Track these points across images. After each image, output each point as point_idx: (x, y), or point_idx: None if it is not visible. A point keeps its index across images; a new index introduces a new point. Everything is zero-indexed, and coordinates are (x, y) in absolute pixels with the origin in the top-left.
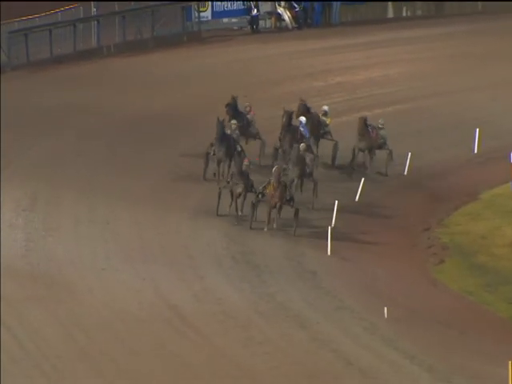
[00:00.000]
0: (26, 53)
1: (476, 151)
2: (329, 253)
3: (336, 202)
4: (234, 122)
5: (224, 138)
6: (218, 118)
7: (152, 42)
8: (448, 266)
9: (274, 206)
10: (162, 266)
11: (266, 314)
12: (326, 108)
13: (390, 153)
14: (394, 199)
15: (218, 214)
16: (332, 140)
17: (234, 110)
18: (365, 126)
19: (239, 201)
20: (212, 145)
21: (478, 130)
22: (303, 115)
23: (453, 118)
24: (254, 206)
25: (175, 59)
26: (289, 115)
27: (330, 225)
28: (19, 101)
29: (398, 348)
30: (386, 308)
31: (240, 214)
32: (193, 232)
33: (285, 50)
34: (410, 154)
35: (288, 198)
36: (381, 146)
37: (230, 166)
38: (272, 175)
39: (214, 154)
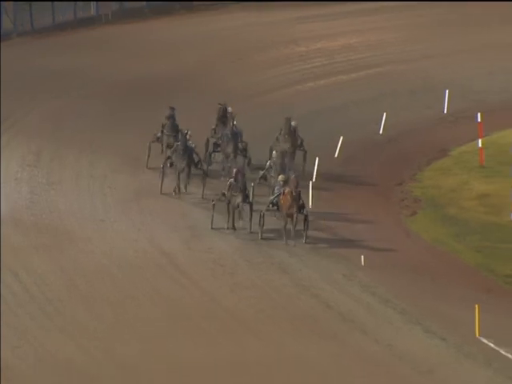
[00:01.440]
0: (30, 20)
1: (446, 111)
2: (310, 206)
3: (317, 158)
4: (186, 131)
5: (187, 150)
6: (182, 130)
7: (147, 10)
8: (420, 217)
9: (291, 217)
10: (157, 217)
11: (253, 262)
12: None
13: (305, 154)
14: (370, 156)
15: (212, 228)
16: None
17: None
18: (290, 126)
19: (237, 211)
20: (169, 157)
21: (447, 91)
22: (222, 118)
23: (425, 81)
24: (263, 217)
25: (169, 27)
26: (223, 110)
27: (311, 179)
28: (24, 65)
29: (374, 293)
30: (362, 256)
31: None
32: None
33: (270, 19)
34: (385, 114)
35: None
36: (299, 147)
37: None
38: (277, 184)
39: (170, 166)
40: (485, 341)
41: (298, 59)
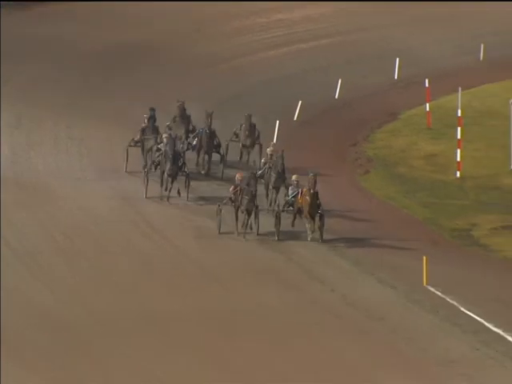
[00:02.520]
0: None
1: (396, 77)
2: None
3: (277, 121)
4: (165, 135)
5: (176, 155)
6: (171, 135)
7: None
8: (372, 175)
9: (313, 216)
10: (130, 177)
11: (221, 218)
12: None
13: (261, 147)
14: (327, 119)
15: (219, 233)
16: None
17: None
18: (251, 122)
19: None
20: (153, 162)
21: (398, 59)
22: (182, 115)
23: (377, 50)
24: (278, 217)
25: None
26: (182, 106)
27: (272, 140)
28: (4, 35)
29: (329, 245)
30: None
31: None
32: None
33: None
34: (340, 80)
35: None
36: (256, 140)
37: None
38: (291, 183)
39: (155, 170)
40: (432, 289)
41: (260, 29)
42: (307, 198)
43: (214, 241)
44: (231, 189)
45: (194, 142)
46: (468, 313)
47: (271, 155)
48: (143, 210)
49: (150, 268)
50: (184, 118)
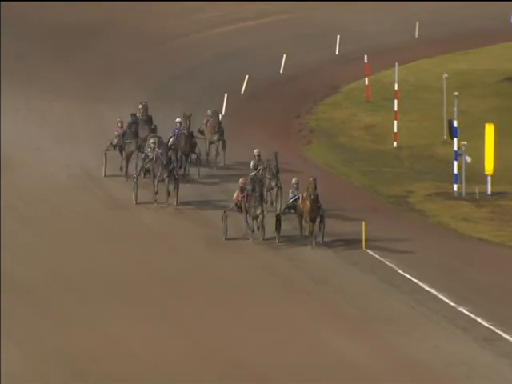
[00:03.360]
0: None
1: (337, 53)
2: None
3: (225, 94)
4: (152, 140)
5: (169, 160)
6: (162, 140)
7: None
8: (315, 145)
9: (313, 221)
10: (87, 147)
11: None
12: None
13: (224, 143)
14: (272, 92)
15: (226, 238)
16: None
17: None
18: (219, 119)
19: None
20: (142, 168)
21: (339, 36)
22: (143, 116)
23: (319, 27)
24: (279, 220)
25: None
26: (145, 107)
27: (221, 112)
28: None
29: (274, 212)
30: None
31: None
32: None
33: None
34: (284, 55)
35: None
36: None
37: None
38: (292, 188)
39: (144, 176)
40: (371, 253)
41: (209, 8)
42: (307, 202)
43: (164, 207)
44: (236, 195)
45: (170, 142)
46: (404, 274)
47: (258, 156)
48: (99, 177)
49: (106, 232)
50: (147, 118)
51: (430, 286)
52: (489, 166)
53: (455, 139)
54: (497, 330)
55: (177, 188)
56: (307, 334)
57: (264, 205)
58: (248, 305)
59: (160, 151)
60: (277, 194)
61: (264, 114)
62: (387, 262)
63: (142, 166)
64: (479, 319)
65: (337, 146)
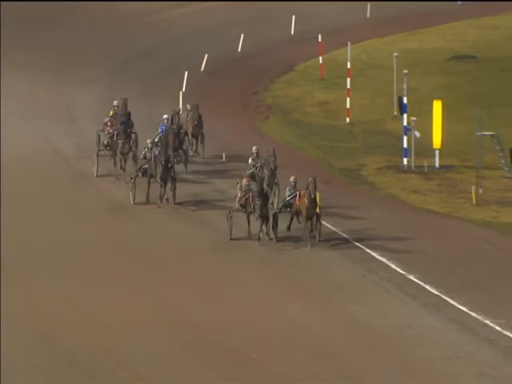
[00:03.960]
0: None
1: (293, 33)
2: (180, 110)
3: (186, 72)
4: (149, 140)
5: (169, 160)
6: (162, 140)
7: None
8: (271, 121)
9: (310, 218)
10: (52, 122)
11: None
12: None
13: (203, 135)
14: (231, 70)
15: (231, 239)
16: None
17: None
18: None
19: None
20: (140, 168)
21: (294, 17)
22: (122, 114)
23: (275, 8)
24: (275, 219)
25: None
26: (125, 104)
27: (181, 89)
28: None
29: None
30: (224, 153)
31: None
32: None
33: None
34: (242, 35)
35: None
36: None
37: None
38: (289, 186)
39: (142, 176)
40: (324, 223)
41: None
42: (305, 200)
43: (128, 183)
44: (239, 195)
45: (156, 139)
46: (356, 243)
47: (257, 153)
48: (63, 151)
49: (67, 202)
50: (126, 115)
51: (381, 255)
52: (437, 140)
53: (405, 115)
54: (444, 297)
55: (174, 187)
56: (263, 301)
57: (268, 205)
58: (208, 274)
59: (158, 152)
60: (274, 190)
61: (223, 91)
62: (340, 232)
63: (140, 166)
64: (427, 286)
65: (292, 121)
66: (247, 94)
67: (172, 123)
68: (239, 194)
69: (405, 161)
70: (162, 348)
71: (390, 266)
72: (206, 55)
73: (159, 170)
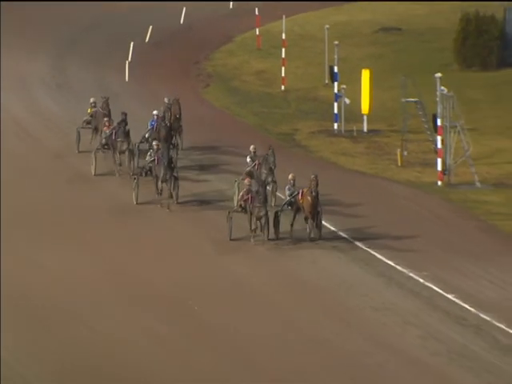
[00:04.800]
0: None
1: (231, 6)
2: (127, 79)
3: (132, 42)
4: (155, 143)
5: (171, 160)
6: (167, 142)
7: None
8: (212, 89)
9: (312, 217)
10: (16, 93)
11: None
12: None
13: (181, 128)
14: (174, 41)
15: (231, 239)
16: None
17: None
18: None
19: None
20: (143, 168)
21: None
22: (104, 111)
23: None
24: (277, 217)
25: None
26: (106, 102)
27: (127, 59)
28: None
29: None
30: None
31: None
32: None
33: None
34: (184, 8)
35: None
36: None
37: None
38: (288, 184)
39: (145, 175)
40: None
41: None
42: (308, 198)
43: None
44: (240, 196)
45: (147, 135)
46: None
47: (254, 152)
48: (23, 118)
49: (25, 167)
50: (108, 112)
51: None
52: (365, 106)
53: (336, 83)
54: (373, 252)
55: (177, 187)
56: (208, 260)
57: (267, 206)
58: (161, 236)
59: (161, 153)
60: (272, 188)
61: (166, 61)
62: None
63: (143, 167)
64: (357, 242)
65: (231, 89)
66: (189, 63)
67: (164, 118)
68: (239, 194)
69: (335, 126)
70: (113, 302)
71: (323, 224)
72: (151, 27)
73: (162, 170)
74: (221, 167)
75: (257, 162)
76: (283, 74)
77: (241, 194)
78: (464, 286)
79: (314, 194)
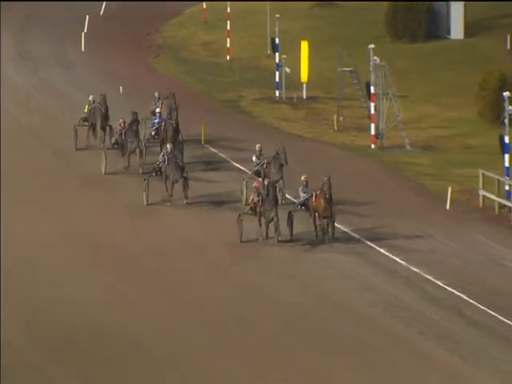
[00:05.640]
0: None
1: None
2: (83, 49)
3: (87, 16)
4: (169, 145)
5: (182, 162)
6: (178, 144)
7: None
8: (162, 59)
9: (326, 218)
10: None
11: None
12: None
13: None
14: (126, 14)
15: (241, 241)
16: None
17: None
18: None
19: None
20: (154, 169)
21: None
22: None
23: None
24: (291, 217)
25: None
26: (104, 98)
27: (83, 31)
28: None
29: None
30: (121, 87)
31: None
32: None
33: None
34: None
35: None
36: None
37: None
38: (301, 185)
39: (155, 175)
40: (207, 146)
41: None
42: (322, 201)
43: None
44: (250, 199)
45: (153, 133)
46: (235, 164)
47: (260, 151)
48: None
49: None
50: (105, 109)
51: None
52: (304, 75)
53: (277, 54)
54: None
55: (186, 186)
56: (162, 220)
57: (277, 209)
58: (121, 201)
59: (171, 155)
60: (280, 187)
61: (119, 33)
62: (221, 154)
63: (154, 168)
64: (296, 200)
65: (180, 59)
66: (141, 36)
67: (170, 117)
68: (250, 198)
69: (277, 93)
70: (74, 261)
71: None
72: (105, 2)
73: (173, 171)
74: None
75: (265, 161)
76: (228, 45)
77: (251, 196)
78: (395, 241)
79: (327, 196)
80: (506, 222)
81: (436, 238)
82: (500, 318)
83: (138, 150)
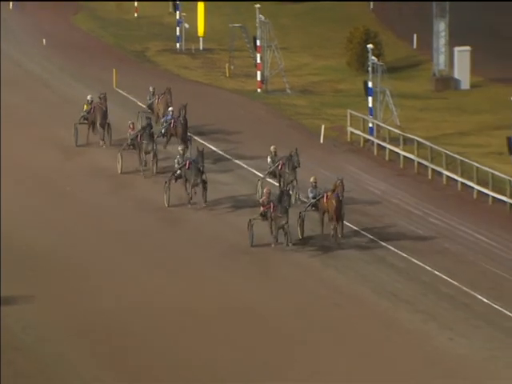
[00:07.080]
0: None
1: None
2: (11, 7)
3: None
4: (181, 147)
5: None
6: (197, 148)
7: None
8: (80, 16)
9: (337, 219)
10: None
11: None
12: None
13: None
14: None
15: (252, 245)
16: None
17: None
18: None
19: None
20: (174, 173)
21: None
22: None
23: None
24: (303, 218)
25: None
26: (104, 97)
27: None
28: None
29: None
30: (44, 39)
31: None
32: None
33: None
34: None
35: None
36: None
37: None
38: (310, 186)
39: (175, 181)
40: (120, 91)
41: None
42: (333, 202)
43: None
44: (261, 203)
45: (163, 131)
46: (140, 104)
47: (275, 152)
48: None
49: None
50: (104, 108)
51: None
52: (200, 30)
53: (178, 12)
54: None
55: (205, 188)
56: (146, 200)
57: (288, 215)
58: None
59: (191, 158)
60: (294, 187)
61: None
62: (131, 98)
63: (175, 171)
64: (196, 137)
65: (95, 16)
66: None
67: (179, 115)
68: (261, 199)
69: (178, 45)
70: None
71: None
72: None
73: (193, 175)
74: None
75: (280, 162)
76: (136, 5)
77: (261, 200)
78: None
79: (340, 198)
80: (369, 154)
81: (310, 167)
82: (371, 237)
83: (152, 152)
